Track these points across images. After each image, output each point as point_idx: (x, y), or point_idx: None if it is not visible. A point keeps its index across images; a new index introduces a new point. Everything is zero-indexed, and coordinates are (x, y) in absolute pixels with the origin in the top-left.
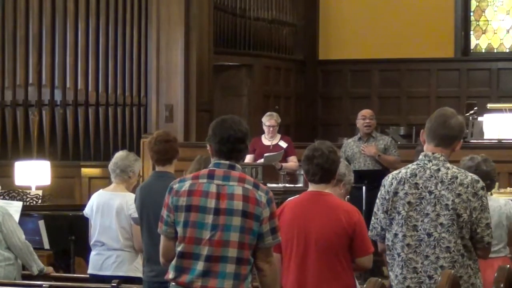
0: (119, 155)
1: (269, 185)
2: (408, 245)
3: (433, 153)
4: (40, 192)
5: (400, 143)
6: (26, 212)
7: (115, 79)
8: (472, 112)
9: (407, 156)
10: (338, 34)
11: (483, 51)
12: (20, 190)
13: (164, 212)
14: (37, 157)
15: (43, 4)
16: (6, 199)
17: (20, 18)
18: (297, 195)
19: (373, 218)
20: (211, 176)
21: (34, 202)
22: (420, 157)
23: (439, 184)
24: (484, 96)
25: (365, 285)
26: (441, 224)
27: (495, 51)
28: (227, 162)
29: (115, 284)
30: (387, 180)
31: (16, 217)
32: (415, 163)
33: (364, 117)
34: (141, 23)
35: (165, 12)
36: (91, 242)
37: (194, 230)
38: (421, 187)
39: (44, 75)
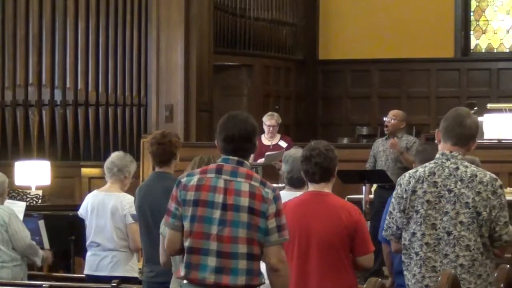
0: (116, 155)
1: None
2: (426, 243)
3: (450, 152)
4: (40, 192)
5: None
6: (26, 212)
7: (115, 79)
8: (472, 112)
9: None
10: (338, 34)
11: (483, 51)
12: (20, 190)
13: (172, 205)
14: (37, 157)
15: (43, 4)
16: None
17: (20, 18)
18: (297, 195)
19: (387, 217)
20: (219, 171)
21: (34, 202)
22: (437, 155)
23: (459, 183)
24: (484, 96)
25: (365, 285)
26: (461, 222)
27: (495, 51)
28: (236, 158)
29: (115, 284)
30: (404, 179)
31: (20, 217)
32: (432, 161)
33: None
34: (141, 23)
35: (165, 12)
36: (87, 243)
37: (202, 225)
38: (440, 186)
39: (44, 75)
